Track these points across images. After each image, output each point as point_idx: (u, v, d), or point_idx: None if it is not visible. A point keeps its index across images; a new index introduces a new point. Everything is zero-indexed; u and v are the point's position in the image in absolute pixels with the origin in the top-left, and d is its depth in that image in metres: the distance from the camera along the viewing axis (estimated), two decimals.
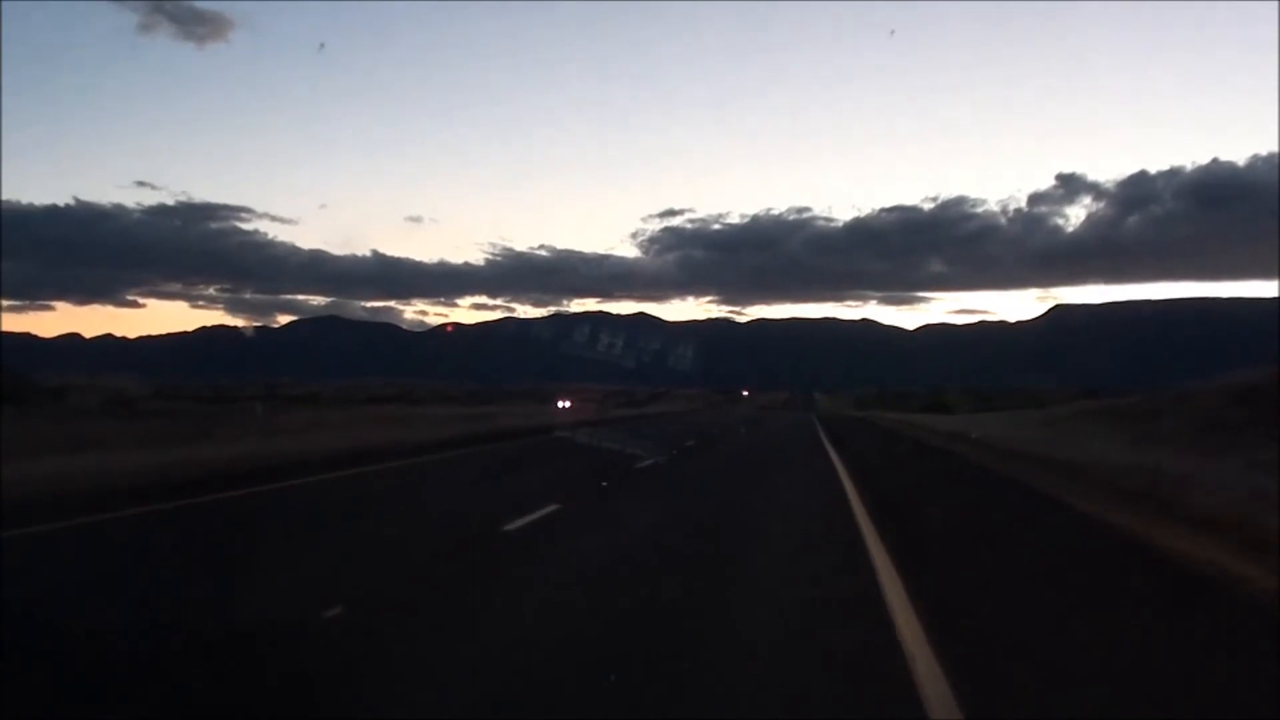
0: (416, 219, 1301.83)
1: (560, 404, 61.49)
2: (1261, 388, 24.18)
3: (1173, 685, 5.11)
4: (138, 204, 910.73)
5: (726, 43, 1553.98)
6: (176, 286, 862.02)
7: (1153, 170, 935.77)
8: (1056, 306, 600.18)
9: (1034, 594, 7.57)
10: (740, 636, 5.96)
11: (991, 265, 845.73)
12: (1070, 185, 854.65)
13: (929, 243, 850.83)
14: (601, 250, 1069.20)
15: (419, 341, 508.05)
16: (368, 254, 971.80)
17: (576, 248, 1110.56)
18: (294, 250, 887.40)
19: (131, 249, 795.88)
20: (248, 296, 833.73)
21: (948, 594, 7.25)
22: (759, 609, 6.78)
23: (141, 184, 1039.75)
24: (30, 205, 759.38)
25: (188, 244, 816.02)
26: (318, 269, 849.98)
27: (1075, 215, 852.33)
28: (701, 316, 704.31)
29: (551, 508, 11.64)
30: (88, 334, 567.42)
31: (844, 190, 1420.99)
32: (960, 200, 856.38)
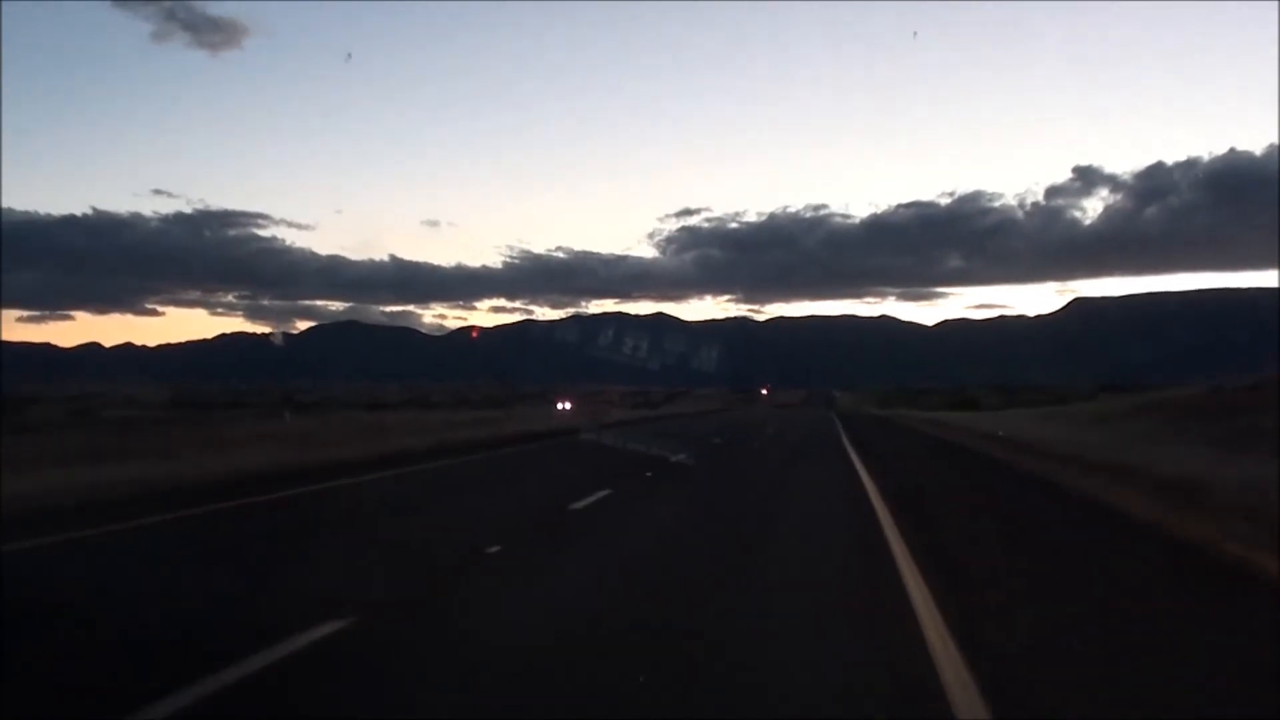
0: (433, 223, 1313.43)
1: (560, 405, 56.00)
2: None
3: None
4: (155, 212, 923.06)
5: (741, 41, 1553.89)
6: (195, 294, 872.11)
7: (1170, 161, 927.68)
8: (1076, 299, 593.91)
9: None
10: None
11: (1009, 259, 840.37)
12: (1087, 178, 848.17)
13: (946, 238, 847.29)
14: (619, 251, 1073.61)
15: (438, 345, 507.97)
16: (385, 258, 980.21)
17: (594, 249, 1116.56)
18: (311, 256, 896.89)
19: (150, 257, 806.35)
20: (266, 303, 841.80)
21: None
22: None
23: (159, 192, 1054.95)
24: (48, 215, 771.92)
25: (206, 251, 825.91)
26: (336, 274, 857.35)
27: (1093, 208, 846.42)
28: (720, 315, 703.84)
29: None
30: (107, 343, 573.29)
31: (861, 186, 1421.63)
32: (977, 195, 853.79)
